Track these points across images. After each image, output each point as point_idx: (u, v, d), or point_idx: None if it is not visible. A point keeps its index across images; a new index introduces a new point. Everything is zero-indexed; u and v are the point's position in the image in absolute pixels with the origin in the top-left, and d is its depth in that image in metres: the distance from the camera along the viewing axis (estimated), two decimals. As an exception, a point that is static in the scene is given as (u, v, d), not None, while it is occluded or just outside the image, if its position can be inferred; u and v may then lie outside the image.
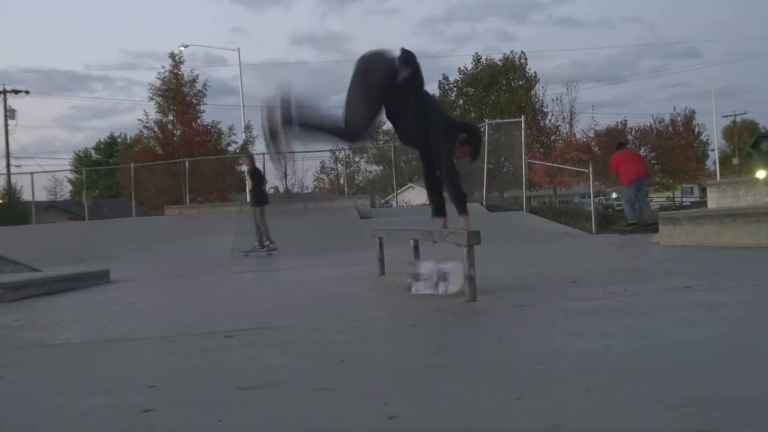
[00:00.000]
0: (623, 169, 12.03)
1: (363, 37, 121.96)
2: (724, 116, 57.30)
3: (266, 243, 11.66)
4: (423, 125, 4.24)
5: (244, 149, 27.53)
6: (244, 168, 12.91)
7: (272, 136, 4.03)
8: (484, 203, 16.78)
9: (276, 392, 2.16)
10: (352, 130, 4.15)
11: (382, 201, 29.04)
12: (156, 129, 27.42)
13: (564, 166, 28.53)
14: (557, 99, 36.77)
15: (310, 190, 36.32)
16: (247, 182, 12.63)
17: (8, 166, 34.31)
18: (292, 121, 4.03)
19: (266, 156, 25.49)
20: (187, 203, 19.82)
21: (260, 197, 12.12)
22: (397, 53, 4.12)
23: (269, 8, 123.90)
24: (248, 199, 12.64)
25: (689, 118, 37.19)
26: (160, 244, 12.87)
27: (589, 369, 2.22)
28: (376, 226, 7.15)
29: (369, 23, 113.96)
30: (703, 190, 32.20)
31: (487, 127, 18.32)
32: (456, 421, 1.75)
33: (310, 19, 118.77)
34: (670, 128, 36.42)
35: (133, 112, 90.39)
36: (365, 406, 1.94)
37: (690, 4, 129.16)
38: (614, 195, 46.23)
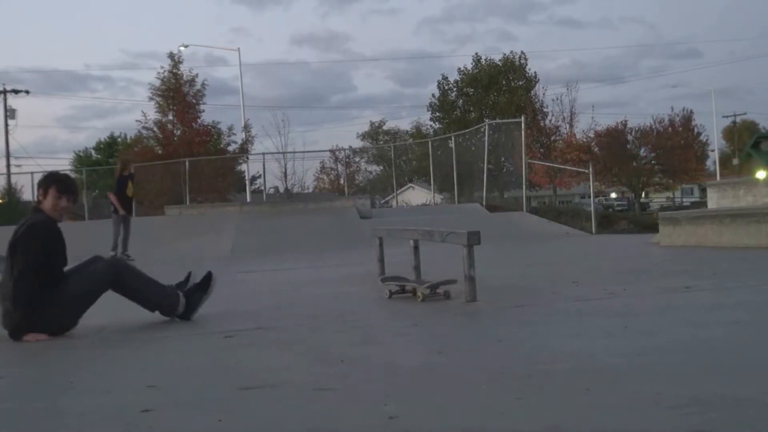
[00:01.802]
0: None
1: (363, 37, 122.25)
2: (724, 116, 57.28)
3: (128, 252, 11.11)
4: None
5: (244, 149, 27.55)
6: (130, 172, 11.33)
7: None
8: (484, 203, 16.76)
9: (276, 392, 2.16)
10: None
11: (382, 201, 29.02)
12: (155, 129, 27.43)
13: (564, 167, 28.52)
14: (557, 99, 36.72)
15: (310, 190, 36.34)
16: (128, 189, 11.20)
17: (8, 166, 34.36)
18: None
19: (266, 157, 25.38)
20: (187, 203, 19.81)
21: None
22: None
23: (270, 8, 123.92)
24: (121, 209, 11.15)
25: (688, 118, 37.16)
26: (160, 244, 12.86)
27: (589, 369, 2.22)
28: (377, 226, 7.14)
29: (369, 23, 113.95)
30: (703, 191, 32.19)
31: (487, 127, 18.33)
32: (456, 421, 1.75)
33: (311, 19, 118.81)
34: (669, 129, 36.36)
35: (133, 112, 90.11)
36: (365, 406, 1.94)
37: (690, 5, 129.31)
38: (613, 195, 46.30)
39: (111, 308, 3.98)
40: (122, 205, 11.26)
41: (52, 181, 3.69)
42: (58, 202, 3.63)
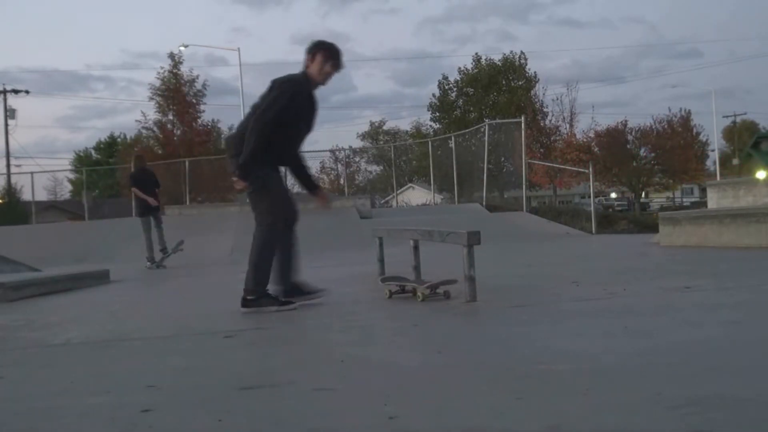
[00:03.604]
0: None
1: (364, 37, 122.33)
2: (724, 116, 57.32)
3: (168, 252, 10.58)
4: None
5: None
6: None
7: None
8: (484, 203, 16.77)
9: (276, 392, 2.16)
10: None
11: (382, 201, 29.02)
12: (155, 129, 27.46)
13: (564, 167, 28.53)
14: (557, 99, 36.74)
15: (310, 190, 36.23)
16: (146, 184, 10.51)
17: (8, 166, 34.41)
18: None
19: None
20: (187, 203, 19.82)
21: None
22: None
23: (270, 8, 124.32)
24: (150, 199, 10.46)
25: (686, 118, 37.14)
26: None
27: (589, 369, 2.22)
28: (377, 226, 7.14)
29: (370, 23, 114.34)
30: (703, 191, 32.18)
31: (487, 127, 18.33)
32: (456, 421, 1.75)
33: (311, 18, 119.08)
34: (669, 129, 36.35)
35: (133, 112, 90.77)
36: (365, 406, 1.94)
37: (691, 5, 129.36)
38: (613, 195, 46.29)
39: (110, 308, 3.98)
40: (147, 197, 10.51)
41: (321, 47, 3.97)
42: (323, 66, 3.92)
